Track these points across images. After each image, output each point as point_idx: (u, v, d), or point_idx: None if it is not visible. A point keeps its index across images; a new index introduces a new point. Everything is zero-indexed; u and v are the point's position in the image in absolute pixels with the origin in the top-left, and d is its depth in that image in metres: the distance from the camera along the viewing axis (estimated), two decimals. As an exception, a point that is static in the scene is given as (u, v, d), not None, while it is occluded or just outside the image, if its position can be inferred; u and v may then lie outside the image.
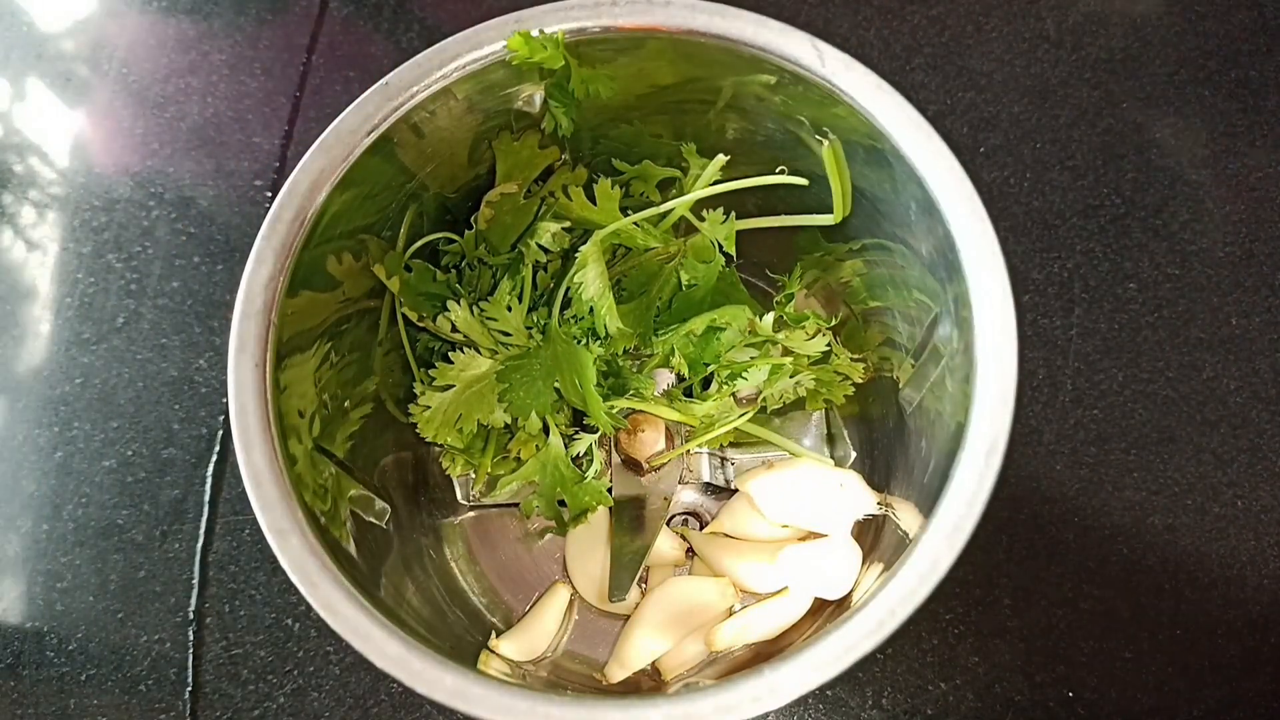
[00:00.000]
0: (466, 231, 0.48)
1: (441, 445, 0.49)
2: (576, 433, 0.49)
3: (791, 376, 0.50)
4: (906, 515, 0.44)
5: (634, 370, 0.50)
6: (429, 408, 0.46)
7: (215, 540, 0.57)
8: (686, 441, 0.52)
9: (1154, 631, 0.54)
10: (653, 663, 0.50)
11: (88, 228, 0.63)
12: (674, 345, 0.48)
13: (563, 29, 0.40)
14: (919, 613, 0.34)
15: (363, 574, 0.39)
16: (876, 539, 0.49)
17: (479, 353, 0.46)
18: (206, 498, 0.58)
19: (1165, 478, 0.57)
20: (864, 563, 0.48)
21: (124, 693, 0.55)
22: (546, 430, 0.48)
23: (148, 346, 0.60)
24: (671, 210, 0.47)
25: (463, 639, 0.48)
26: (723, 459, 0.54)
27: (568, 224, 0.47)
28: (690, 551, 0.53)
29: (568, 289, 0.46)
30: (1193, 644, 0.54)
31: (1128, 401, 0.58)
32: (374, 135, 0.40)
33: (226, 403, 0.38)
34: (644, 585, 0.53)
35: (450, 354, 0.46)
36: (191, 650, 0.55)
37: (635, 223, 0.47)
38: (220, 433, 0.59)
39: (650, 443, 0.51)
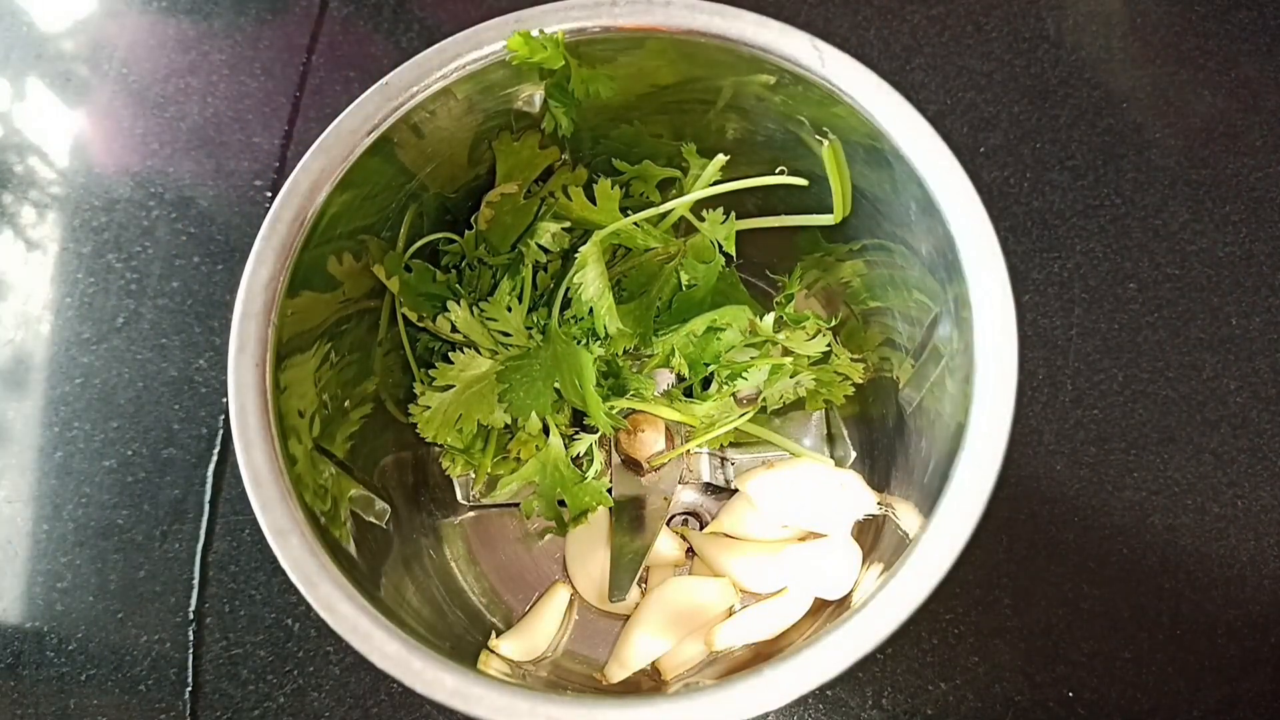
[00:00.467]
0: (466, 232, 0.48)
1: (441, 445, 0.49)
2: (576, 433, 0.49)
3: (791, 377, 0.50)
4: (906, 515, 0.44)
5: (634, 370, 0.50)
6: (429, 408, 0.46)
7: (215, 540, 0.57)
8: (686, 441, 0.52)
9: (1154, 631, 0.54)
10: (653, 663, 0.50)
11: (88, 228, 0.63)
12: (674, 346, 0.48)
13: (563, 29, 0.40)
14: (919, 613, 0.34)
15: (363, 574, 0.39)
16: (876, 539, 0.49)
17: (479, 353, 0.46)
18: (206, 498, 0.58)
19: (1165, 478, 0.57)
20: (864, 563, 0.48)
21: (124, 693, 0.55)
22: (546, 430, 0.48)
23: (148, 346, 0.60)
24: (671, 210, 0.47)
25: (463, 639, 0.48)
26: (723, 459, 0.54)
27: (568, 224, 0.47)
28: (690, 551, 0.53)
29: (567, 289, 0.46)
30: (1193, 644, 0.54)
31: (1128, 401, 0.58)
32: (374, 135, 0.40)
33: (226, 403, 0.38)
34: (644, 585, 0.53)
35: (450, 354, 0.46)
36: (191, 650, 0.55)
37: (635, 223, 0.47)
38: (220, 433, 0.59)
39: (650, 443, 0.51)
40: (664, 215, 0.47)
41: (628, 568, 0.49)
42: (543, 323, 0.47)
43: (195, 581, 0.56)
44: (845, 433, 0.54)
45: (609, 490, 0.50)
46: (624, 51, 0.41)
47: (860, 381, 0.52)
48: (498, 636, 0.50)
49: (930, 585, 0.34)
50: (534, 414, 0.47)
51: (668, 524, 0.53)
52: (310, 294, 0.40)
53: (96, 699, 0.55)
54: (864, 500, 0.49)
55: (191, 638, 0.56)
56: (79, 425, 0.59)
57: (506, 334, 0.47)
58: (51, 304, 0.62)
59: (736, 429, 0.51)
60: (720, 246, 0.48)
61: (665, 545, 0.52)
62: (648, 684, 0.50)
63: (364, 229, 0.43)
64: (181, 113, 0.65)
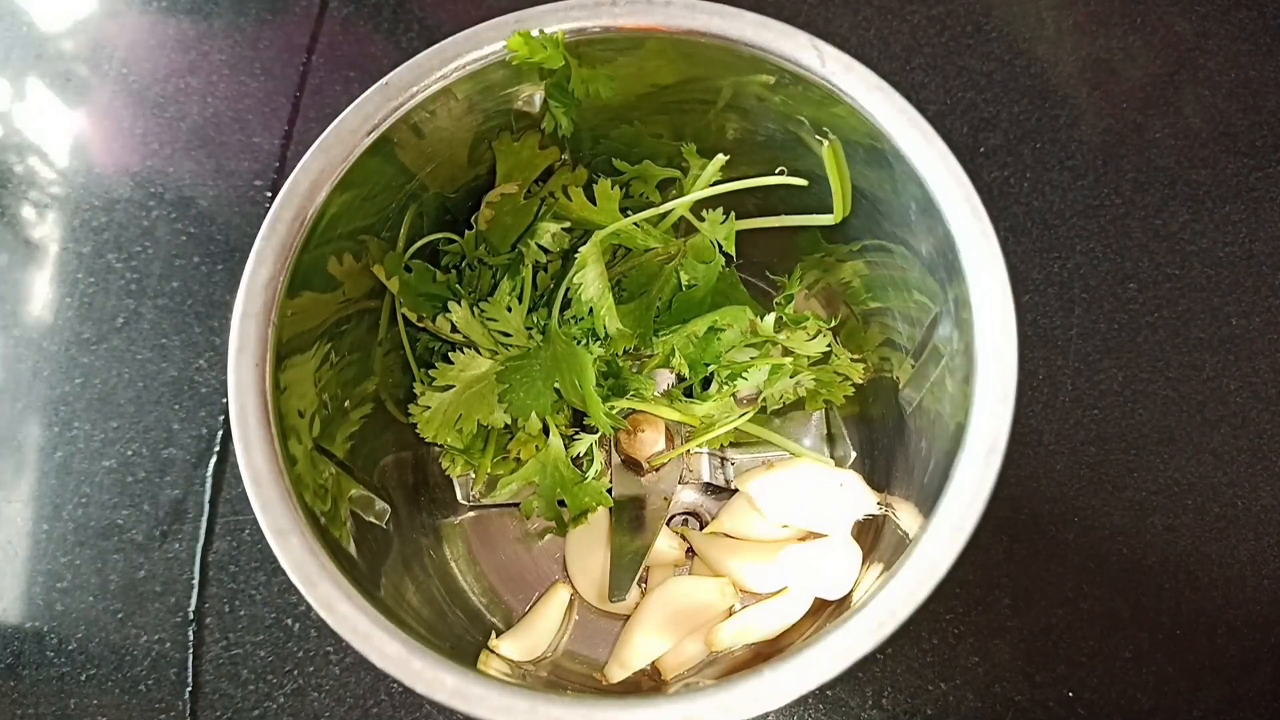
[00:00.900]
0: (467, 232, 0.48)
1: (441, 445, 0.49)
2: (576, 433, 0.49)
3: (791, 377, 0.50)
4: (906, 515, 0.44)
5: (634, 371, 0.50)
6: (429, 408, 0.46)
7: (215, 540, 0.57)
8: (686, 441, 0.52)
9: (1154, 631, 0.54)
10: (653, 663, 0.50)
11: (88, 228, 0.63)
12: (674, 346, 0.48)
13: (563, 29, 0.40)
14: (919, 613, 0.34)
15: (363, 574, 0.39)
16: (876, 539, 0.49)
17: (479, 353, 0.46)
18: (206, 498, 0.58)
19: (1165, 478, 0.57)
20: (864, 563, 0.48)
21: (124, 693, 0.55)
22: (546, 431, 0.48)
23: (148, 346, 0.60)
24: (671, 210, 0.47)
25: (463, 639, 0.48)
26: (723, 459, 0.54)
27: (568, 224, 0.47)
28: (690, 551, 0.53)
29: (567, 289, 0.46)
30: (1193, 644, 0.54)
31: (1128, 401, 0.58)
32: (374, 135, 0.40)
33: (226, 403, 0.38)
34: (644, 585, 0.53)
35: (450, 354, 0.46)
36: (191, 650, 0.55)
37: (635, 223, 0.47)
38: (220, 433, 0.59)
39: (650, 443, 0.51)
40: (664, 215, 0.47)
41: (628, 568, 0.49)
42: (543, 323, 0.47)
43: (195, 581, 0.56)
44: (845, 433, 0.54)
45: (609, 490, 0.50)
46: (624, 51, 0.41)
47: (860, 382, 0.52)
48: (498, 636, 0.50)
49: (930, 585, 0.34)
50: (534, 414, 0.47)
51: (668, 524, 0.53)
52: (310, 294, 0.40)
53: (96, 699, 0.55)
54: (864, 500, 0.49)
55: (191, 638, 0.56)
56: (79, 425, 0.59)
57: (506, 334, 0.47)
58: (51, 304, 0.62)
59: (736, 429, 0.51)
60: (720, 246, 0.48)
61: (665, 545, 0.52)
62: (648, 684, 0.50)
63: (364, 229, 0.43)
64: (181, 113, 0.65)
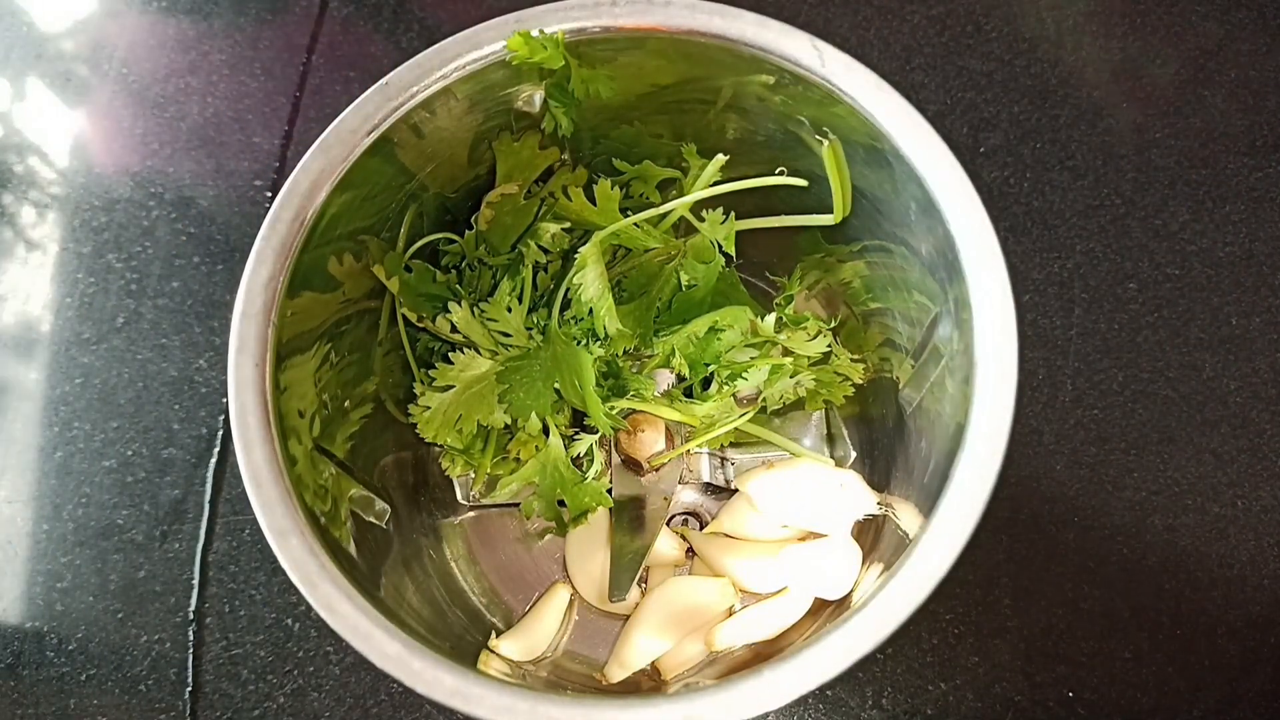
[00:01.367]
0: (467, 232, 0.48)
1: (441, 445, 0.49)
2: (576, 433, 0.49)
3: (791, 377, 0.50)
4: (906, 515, 0.44)
5: (634, 371, 0.50)
6: (429, 408, 0.46)
7: (215, 540, 0.57)
8: (686, 441, 0.52)
9: (1154, 631, 0.55)
10: (653, 663, 0.50)
11: (88, 228, 0.63)
12: (674, 346, 0.48)
13: (563, 29, 0.40)
14: (919, 613, 0.34)
15: (363, 574, 0.39)
16: (876, 539, 0.49)
17: (479, 353, 0.46)
18: (206, 498, 0.58)
19: (1165, 478, 0.57)
20: (864, 563, 0.48)
21: (124, 693, 0.55)
22: (546, 431, 0.48)
23: (148, 346, 0.60)
24: (671, 211, 0.47)
25: (463, 639, 0.48)
26: (723, 459, 0.54)
27: (568, 225, 0.47)
28: (690, 551, 0.53)
29: (567, 290, 0.46)
30: (1193, 644, 0.54)
31: (1128, 401, 0.58)
32: (374, 135, 0.40)
33: (226, 403, 0.38)
34: (644, 585, 0.53)
35: (450, 354, 0.46)
36: (191, 650, 0.55)
37: (635, 223, 0.47)
38: (220, 433, 0.59)
39: (650, 443, 0.51)
40: (664, 215, 0.47)
41: (628, 568, 0.49)
42: (543, 323, 0.47)
43: (195, 581, 0.56)
44: (845, 433, 0.54)
45: (609, 490, 0.50)
46: (624, 51, 0.41)
47: (860, 382, 0.52)
48: (498, 636, 0.50)
49: (930, 585, 0.34)
50: (534, 414, 0.47)
51: (668, 524, 0.53)
52: (310, 294, 0.40)
53: (96, 699, 0.55)
54: (864, 500, 0.49)
55: (191, 638, 0.56)
56: (79, 425, 0.59)
57: (506, 334, 0.47)
58: (51, 304, 0.62)
59: (736, 429, 0.51)
60: (720, 247, 0.48)
61: (665, 545, 0.52)
62: (648, 684, 0.50)
63: (364, 229, 0.43)
64: (181, 113, 0.65)
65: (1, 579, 0.57)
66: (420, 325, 0.47)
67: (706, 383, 0.51)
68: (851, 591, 0.47)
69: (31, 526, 0.58)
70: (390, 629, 0.35)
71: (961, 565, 0.34)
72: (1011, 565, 0.55)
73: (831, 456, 0.54)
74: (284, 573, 0.36)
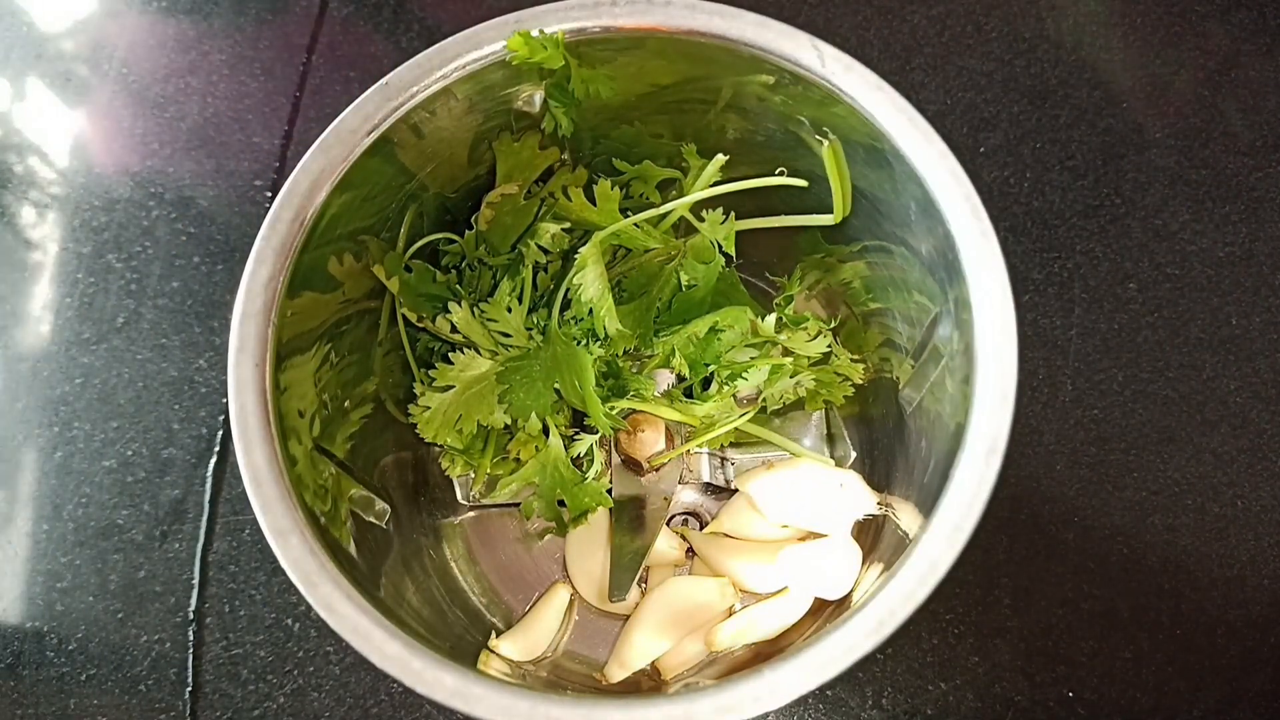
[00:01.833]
0: (467, 232, 0.48)
1: (441, 446, 0.49)
2: (576, 433, 0.49)
3: (791, 377, 0.50)
4: (906, 515, 0.44)
5: (634, 371, 0.50)
6: (429, 408, 0.46)
7: (215, 540, 0.57)
8: (686, 441, 0.52)
9: (1154, 631, 0.55)
10: (653, 663, 0.50)
11: (88, 228, 0.63)
12: (674, 346, 0.48)
13: (563, 29, 0.40)
14: (919, 613, 0.34)
15: (363, 574, 0.39)
16: (876, 539, 0.49)
17: (479, 353, 0.46)
18: (206, 498, 0.58)
19: (1165, 478, 0.57)
20: (864, 563, 0.48)
21: (124, 693, 0.55)
22: (546, 431, 0.48)
23: (148, 346, 0.60)
24: (671, 211, 0.47)
25: (463, 639, 0.48)
26: (723, 459, 0.54)
27: (568, 225, 0.47)
28: (690, 551, 0.53)
29: (567, 290, 0.46)
30: (1193, 644, 0.54)
31: (1128, 401, 0.58)
32: (374, 135, 0.40)
33: (226, 403, 0.38)
34: (644, 585, 0.53)
35: (450, 355, 0.46)
36: (191, 650, 0.55)
37: (635, 224, 0.47)
38: (220, 433, 0.59)
39: (650, 443, 0.51)
40: (664, 216, 0.47)
41: (628, 568, 0.49)
42: (543, 323, 0.47)
43: (195, 581, 0.56)
44: (845, 433, 0.54)
45: (609, 490, 0.50)
46: (624, 51, 0.41)
47: (860, 382, 0.52)
48: (498, 636, 0.50)
49: (930, 585, 0.34)
50: (534, 415, 0.47)
51: (668, 524, 0.53)
52: (310, 294, 0.40)
53: (96, 699, 0.55)
54: (864, 500, 0.49)
55: (191, 638, 0.56)
56: (79, 425, 0.59)
57: (506, 335, 0.47)
58: (51, 304, 0.62)
59: (736, 429, 0.51)
60: (720, 247, 0.48)
61: (665, 545, 0.52)
62: (648, 684, 0.50)
63: (364, 229, 0.43)
64: (181, 113, 0.65)
65: (1, 579, 0.57)
66: (420, 325, 0.47)
67: (706, 383, 0.51)
68: (851, 591, 0.47)
69: (31, 526, 0.58)
70: (390, 629, 0.35)
71: (961, 565, 0.34)
72: (1011, 565, 0.55)
73: (831, 456, 0.54)
74: (284, 573, 0.36)
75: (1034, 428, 0.57)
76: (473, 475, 0.53)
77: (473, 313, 0.46)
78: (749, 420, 0.51)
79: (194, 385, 0.60)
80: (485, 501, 0.54)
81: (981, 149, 0.62)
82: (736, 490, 0.52)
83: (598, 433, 0.48)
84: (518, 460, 0.50)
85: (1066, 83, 0.63)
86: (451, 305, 0.46)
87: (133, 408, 0.59)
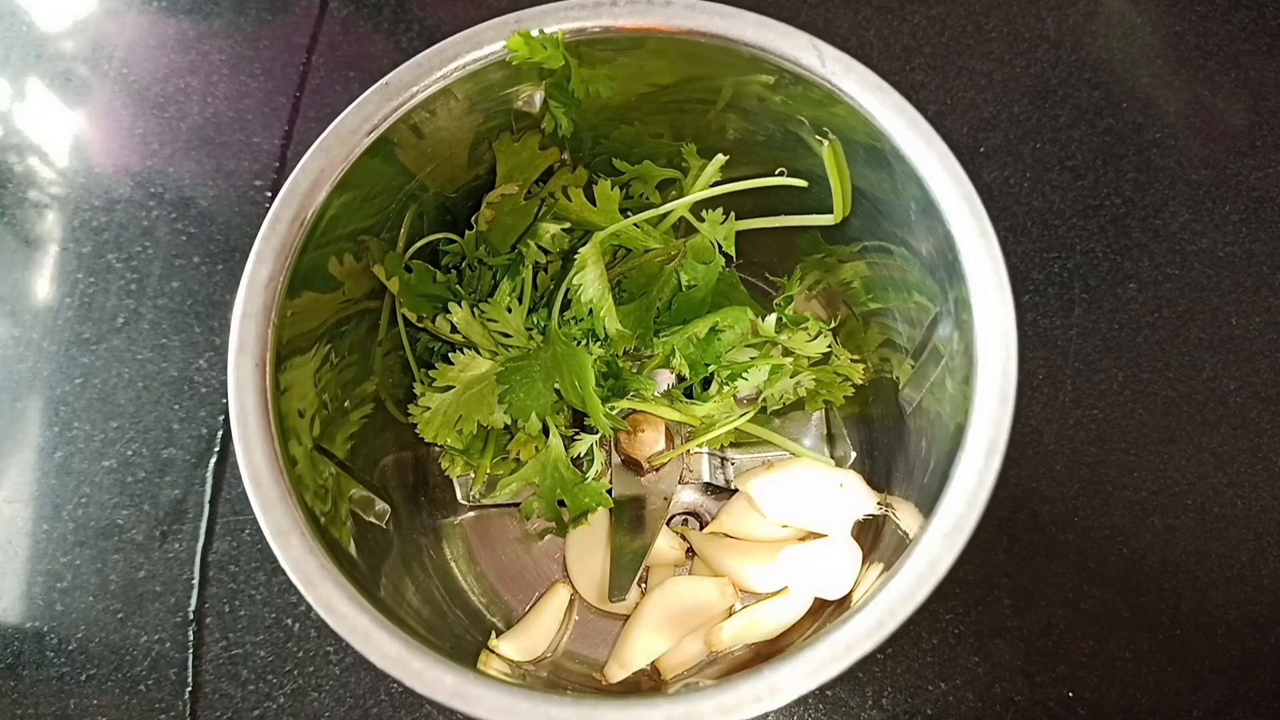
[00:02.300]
0: (467, 232, 0.48)
1: (441, 446, 0.49)
2: (577, 434, 0.49)
3: (792, 377, 0.50)
4: (906, 515, 0.44)
5: (634, 371, 0.50)
6: (429, 409, 0.46)
7: (215, 540, 0.57)
8: (686, 441, 0.52)
9: (1154, 631, 0.55)
10: (653, 663, 0.50)
11: (88, 228, 0.63)
12: (674, 347, 0.48)
13: (563, 29, 0.40)
14: (919, 613, 0.34)
15: (363, 574, 0.39)
16: (876, 539, 0.49)
17: (479, 354, 0.46)
18: (206, 498, 0.58)
19: (1165, 478, 0.57)
20: (864, 563, 0.48)
21: (124, 693, 0.55)
22: (546, 431, 0.48)
23: (148, 346, 0.60)
24: (671, 211, 0.47)
25: (463, 639, 0.48)
26: (723, 459, 0.54)
27: (568, 225, 0.47)
28: (690, 551, 0.53)
29: (567, 290, 0.46)
30: (1193, 644, 0.54)
31: (1128, 401, 0.58)
32: (374, 135, 0.40)
33: (226, 403, 0.38)
34: (644, 585, 0.53)
35: (450, 355, 0.46)
36: (191, 650, 0.55)
37: (635, 224, 0.47)
38: (220, 433, 0.59)
39: (650, 443, 0.51)
40: (664, 216, 0.47)
41: (628, 568, 0.49)
42: (543, 324, 0.47)
43: (195, 581, 0.56)
44: (845, 433, 0.54)
45: (609, 490, 0.50)
46: (624, 51, 0.41)
47: (860, 382, 0.52)
48: (498, 636, 0.50)
49: (930, 585, 0.34)
50: (534, 415, 0.47)
51: (668, 524, 0.53)
52: (310, 294, 0.40)
53: (96, 699, 0.55)
54: (864, 500, 0.49)
55: (191, 638, 0.56)
56: (79, 425, 0.59)
57: (506, 335, 0.47)
58: (51, 304, 0.62)
59: (736, 429, 0.51)
60: (720, 247, 0.48)
61: (665, 545, 0.52)
62: (648, 684, 0.50)
63: (364, 229, 0.43)
64: (181, 113, 0.65)
65: (1, 579, 0.57)
66: (420, 325, 0.47)
67: (706, 383, 0.51)
68: (851, 591, 0.47)
69: (31, 526, 0.58)
70: (390, 629, 0.35)
71: (961, 565, 0.34)
72: (1011, 565, 0.55)
73: (831, 456, 0.54)
74: (284, 573, 0.36)
75: (1034, 428, 0.57)
76: (473, 475, 0.53)
77: (473, 313, 0.46)
78: (749, 420, 0.51)
79: (194, 385, 0.60)
80: (485, 501, 0.54)
81: (981, 149, 0.62)
82: (736, 490, 0.52)
83: (598, 433, 0.48)
84: (518, 460, 0.50)
85: (1066, 83, 0.63)
86: (451, 305, 0.46)
87: (133, 408, 0.59)
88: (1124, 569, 0.55)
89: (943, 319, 0.41)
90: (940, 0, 0.65)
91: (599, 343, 0.47)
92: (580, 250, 0.45)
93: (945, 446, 0.39)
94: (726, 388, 0.49)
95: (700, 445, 0.52)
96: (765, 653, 0.49)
